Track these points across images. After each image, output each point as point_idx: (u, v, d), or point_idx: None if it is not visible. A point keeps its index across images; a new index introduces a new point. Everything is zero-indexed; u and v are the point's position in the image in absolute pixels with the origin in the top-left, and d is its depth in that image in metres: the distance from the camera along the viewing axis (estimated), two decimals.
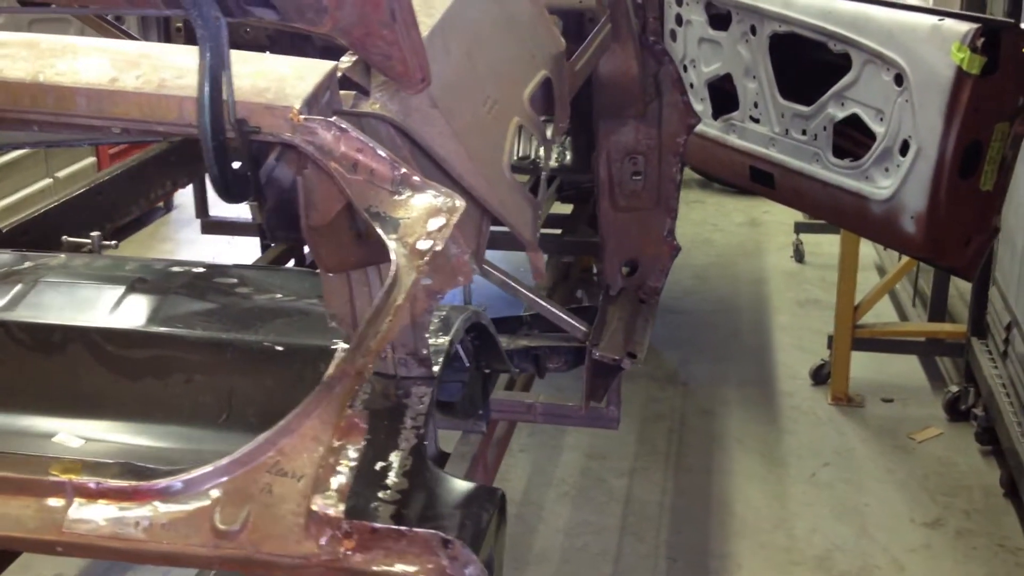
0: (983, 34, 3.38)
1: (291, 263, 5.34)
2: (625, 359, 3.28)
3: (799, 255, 6.94)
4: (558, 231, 5.13)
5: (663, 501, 4.57)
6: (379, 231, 1.78)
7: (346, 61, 1.99)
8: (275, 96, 1.83)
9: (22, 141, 3.99)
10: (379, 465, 1.69)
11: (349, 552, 1.36)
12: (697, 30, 4.42)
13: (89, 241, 3.85)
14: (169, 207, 7.53)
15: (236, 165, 1.85)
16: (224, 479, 1.44)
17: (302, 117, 1.80)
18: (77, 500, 1.42)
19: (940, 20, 3.47)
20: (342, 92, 1.98)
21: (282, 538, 1.37)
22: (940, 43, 3.45)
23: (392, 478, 1.70)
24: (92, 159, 6.66)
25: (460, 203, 1.81)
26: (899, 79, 3.60)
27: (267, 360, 2.64)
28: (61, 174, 6.41)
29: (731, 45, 4.27)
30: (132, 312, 2.74)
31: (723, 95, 4.43)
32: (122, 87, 1.83)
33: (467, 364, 2.75)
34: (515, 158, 3.58)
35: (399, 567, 1.43)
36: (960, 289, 5.50)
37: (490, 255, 2.96)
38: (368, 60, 1.86)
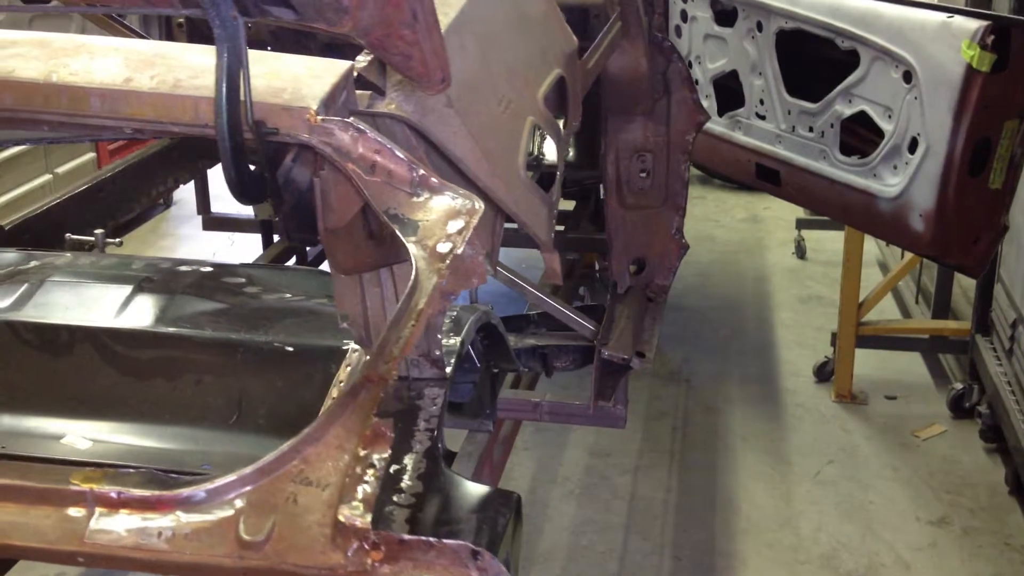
0: (993, 31, 3.35)
1: (292, 260, 5.33)
2: (634, 358, 3.26)
3: (800, 251, 6.93)
4: (560, 227, 5.11)
5: (668, 499, 4.56)
6: (398, 234, 1.76)
7: (362, 60, 1.97)
8: (291, 96, 1.80)
9: (23, 137, 3.98)
10: (393, 468, 1.67)
11: (377, 564, 1.33)
12: (702, 26, 4.40)
13: (92, 239, 3.83)
14: (168, 203, 7.50)
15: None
16: (248, 488, 1.41)
17: (319, 118, 1.78)
18: (98, 510, 1.39)
19: (950, 17, 3.45)
20: (357, 92, 1.96)
21: (308, 549, 1.35)
22: (950, 40, 3.43)
23: (407, 481, 1.68)
24: (92, 155, 6.62)
25: (479, 205, 1.78)
26: (908, 76, 3.57)
27: (277, 361, 2.62)
28: (61, 170, 6.38)
29: (737, 41, 4.25)
30: (140, 312, 2.72)
31: (727, 92, 4.41)
32: (137, 87, 1.81)
33: (478, 365, 2.73)
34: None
35: None
36: (963, 286, 5.50)
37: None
38: (387, 61, 1.84)
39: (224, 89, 1.68)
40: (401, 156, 1.81)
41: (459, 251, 1.70)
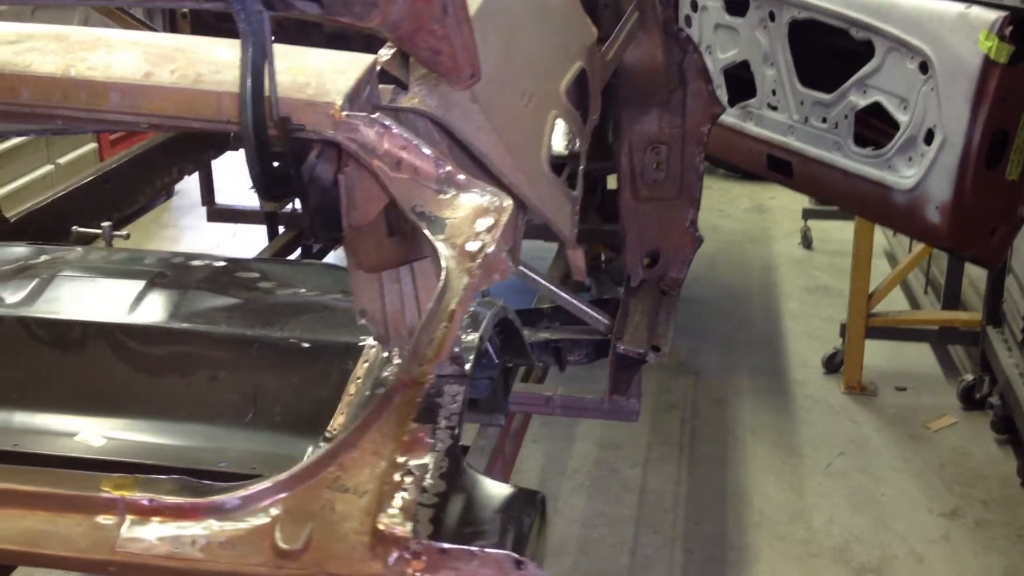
0: (1011, 22, 3.32)
1: (298, 252, 5.29)
2: (650, 352, 3.23)
3: (807, 241, 6.90)
4: None
5: (678, 492, 4.53)
6: (425, 232, 1.73)
7: (384, 54, 1.93)
8: (316, 92, 1.77)
9: (27, 128, 3.93)
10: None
11: (418, 574, 1.30)
12: (713, 16, 4.36)
13: (99, 231, 3.79)
14: (170, 194, 7.43)
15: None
16: (283, 495, 1.38)
17: (344, 113, 1.74)
18: (130, 517, 1.36)
19: (967, 7, 3.41)
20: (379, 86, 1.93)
21: (347, 558, 1.32)
22: (967, 31, 3.39)
23: (428, 480, 1.65)
24: (93, 145, 6.57)
25: (508, 203, 1.75)
26: (924, 67, 3.54)
27: (293, 357, 2.59)
28: (62, 160, 6.33)
29: (748, 32, 4.21)
30: (153, 308, 2.68)
31: (737, 82, 4.37)
32: (157, 82, 1.77)
33: (496, 361, 2.70)
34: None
35: None
36: (972, 277, 5.47)
37: None
38: (415, 56, 1.80)
39: (249, 84, 1.64)
40: (427, 152, 1.77)
41: (490, 250, 1.67)
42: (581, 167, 2.58)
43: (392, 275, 2.22)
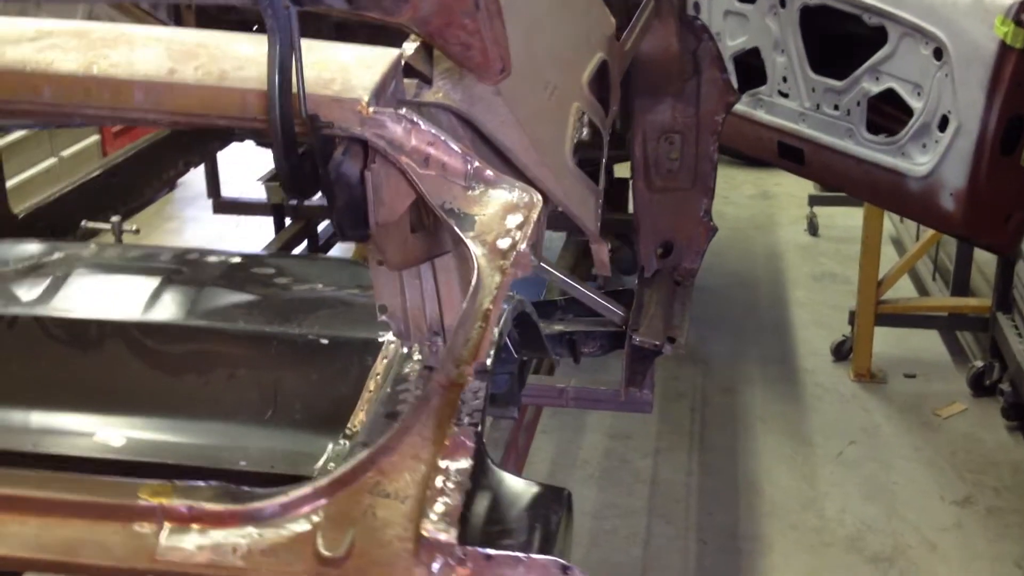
0: None
1: (304, 244, 5.28)
2: (666, 344, 3.21)
3: (813, 228, 6.88)
4: None
5: (689, 482, 4.52)
6: (456, 229, 1.71)
7: (409, 48, 1.91)
8: (342, 87, 1.74)
9: (29, 122, 3.90)
10: None
11: None
12: (722, 2, 4.32)
13: (109, 226, 3.77)
14: (172, 186, 7.41)
15: None
16: (324, 501, 1.35)
17: (371, 109, 1.72)
18: (169, 525, 1.34)
19: None
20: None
21: (390, 565, 1.30)
22: (982, 16, 3.37)
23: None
24: (96, 137, 6.52)
25: (538, 199, 1.73)
26: (938, 53, 3.51)
27: (312, 353, 2.57)
28: (66, 153, 6.28)
29: (759, 18, 4.18)
30: (170, 305, 2.66)
31: (746, 69, 4.35)
32: (181, 79, 1.74)
33: (515, 356, 2.68)
34: None
35: None
36: (980, 264, 5.45)
37: None
38: (444, 51, 1.77)
39: (277, 81, 1.62)
40: (455, 148, 1.75)
41: (522, 247, 1.65)
42: (604, 159, 2.56)
43: (412, 271, 2.20)
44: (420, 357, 2.44)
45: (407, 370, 2.41)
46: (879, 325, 5.17)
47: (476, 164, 1.75)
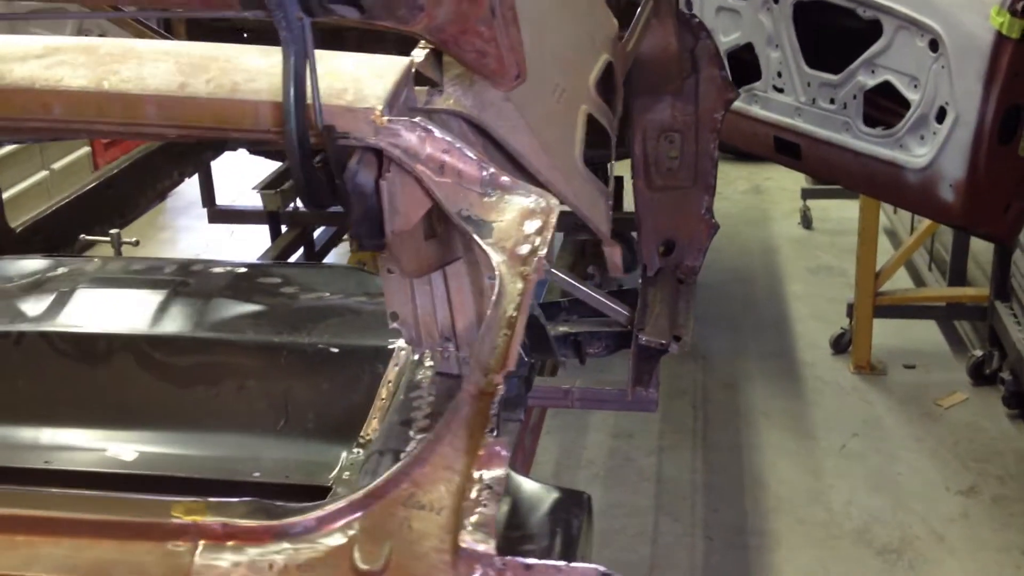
0: None
1: (300, 251, 5.26)
2: (672, 343, 3.20)
3: (807, 221, 6.89)
4: (568, 208, 5.03)
5: (694, 479, 4.52)
6: (474, 237, 1.70)
7: (418, 55, 1.90)
8: (354, 97, 1.73)
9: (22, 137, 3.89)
10: None
11: None
12: None
13: (108, 239, 3.76)
14: (163, 195, 7.39)
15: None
16: (359, 514, 1.35)
17: (385, 119, 1.72)
18: (203, 543, 1.33)
19: None
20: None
21: None
22: (978, 7, 3.37)
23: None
24: (87, 150, 6.50)
25: (555, 204, 1.73)
26: (934, 45, 3.52)
27: (322, 362, 2.57)
28: (56, 166, 6.25)
29: (752, 14, 4.18)
30: (178, 317, 2.66)
31: (740, 65, 4.34)
32: (193, 93, 1.74)
33: (526, 359, 2.68)
34: None
35: None
36: (975, 253, 5.46)
37: None
38: (459, 58, 1.77)
39: (292, 92, 1.61)
40: (470, 155, 1.75)
41: (542, 253, 1.64)
42: (611, 162, 2.55)
43: (423, 278, 2.19)
44: (432, 363, 2.44)
45: (419, 377, 2.41)
46: (877, 317, 5.18)
47: (492, 170, 1.75)
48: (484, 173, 1.75)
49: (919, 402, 4.98)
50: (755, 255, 6.61)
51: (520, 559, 1.27)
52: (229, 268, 2.84)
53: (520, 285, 1.60)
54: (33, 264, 2.94)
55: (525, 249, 1.67)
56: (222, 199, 5.59)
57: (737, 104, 4.29)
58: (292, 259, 5.12)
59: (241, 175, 6.01)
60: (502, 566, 1.27)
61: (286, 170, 5.19)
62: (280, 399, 2.52)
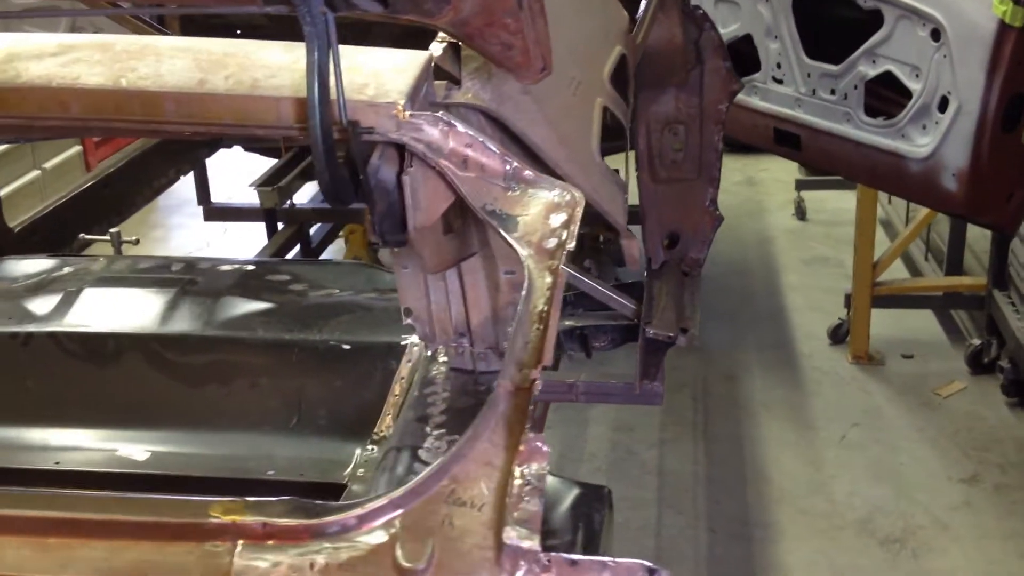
0: None
1: (297, 248, 5.24)
2: (680, 335, 3.19)
3: (801, 212, 6.89)
4: None
5: (696, 471, 4.52)
6: (500, 231, 1.69)
7: (437, 49, 1.89)
8: (376, 92, 1.72)
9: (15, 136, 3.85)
10: None
11: None
12: None
13: (107, 238, 3.73)
14: (159, 193, 7.36)
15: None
16: (400, 512, 1.33)
17: (407, 113, 1.70)
18: (242, 543, 1.32)
19: None
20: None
21: (472, 574, 1.28)
22: None
23: None
24: (78, 148, 6.46)
25: (579, 196, 1.72)
26: (936, 34, 3.51)
27: (335, 359, 2.56)
28: (48, 165, 6.21)
29: (750, 5, 4.17)
30: (187, 316, 2.65)
31: (739, 56, 4.33)
32: (212, 89, 1.72)
33: None
34: None
35: None
36: (971, 242, 5.47)
37: None
38: (483, 51, 1.75)
39: (316, 88, 1.60)
40: (493, 148, 1.74)
41: (570, 247, 1.63)
42: (627, 154, 2.54)
43: (437, 274, 2.18)
44: (446, 359, 2.43)
45: (433, 372, 2.40)
46: (875, 307, 5.19)
47: (515, 164, 1.74)
48: (507, 167, 1.74)
49: (918, 392, 4.99)
50: (751, 247, 6.62)
51: (565, 555, 1.26)
52: (237, 266, 2.83)
53: (549, 279, 1.59)
54: (38, 264, 2.92)
55: (552, 243, 1.66)
56: (218, 196, 5.57)
57: (736, 96, 4.30)
58: (289, 256, 5.11)
59: (236, 172, 5.99)
60: (548, 563, 1.26)
61: (283, 167, 5.17)
62: (292, 397, 2.50)
